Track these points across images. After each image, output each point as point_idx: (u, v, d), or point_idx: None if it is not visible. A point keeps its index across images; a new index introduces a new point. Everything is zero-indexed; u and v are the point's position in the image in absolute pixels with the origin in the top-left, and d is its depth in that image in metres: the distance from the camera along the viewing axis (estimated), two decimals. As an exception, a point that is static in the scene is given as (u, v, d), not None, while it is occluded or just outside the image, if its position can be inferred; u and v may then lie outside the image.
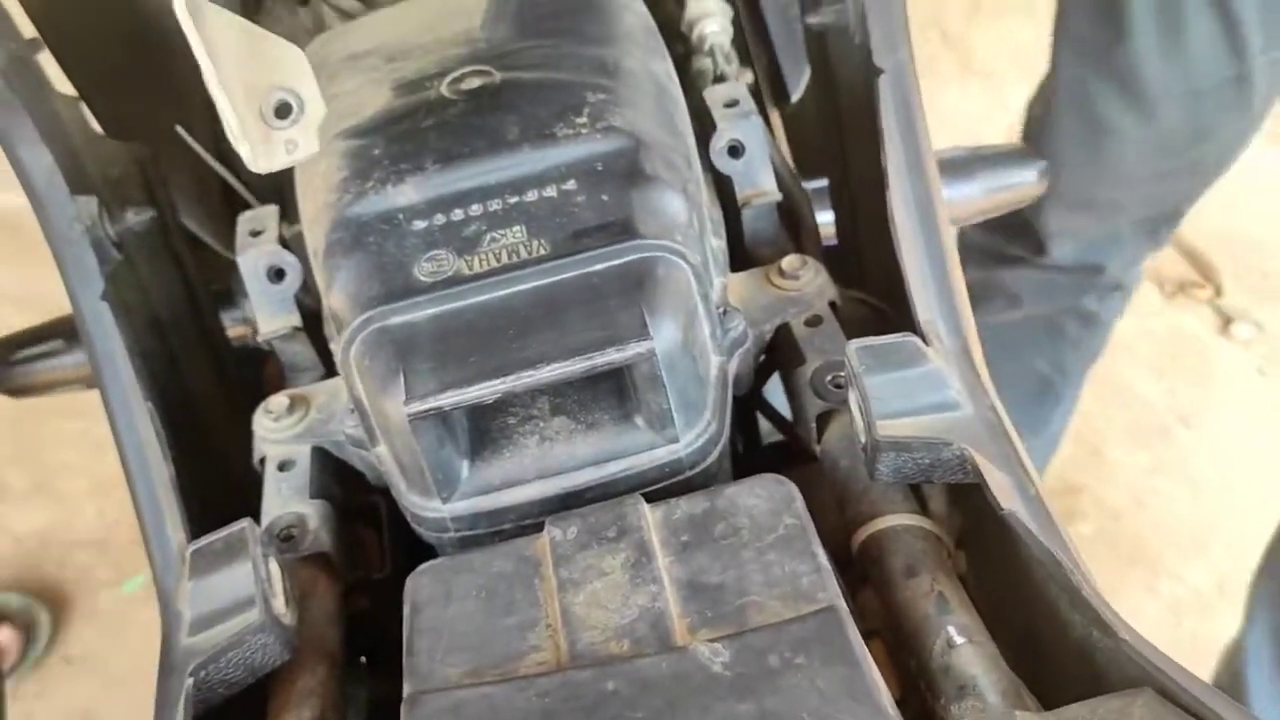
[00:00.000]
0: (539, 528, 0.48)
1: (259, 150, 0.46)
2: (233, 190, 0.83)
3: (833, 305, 0.58)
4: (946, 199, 0.92)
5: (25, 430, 1.79)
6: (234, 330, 0.87)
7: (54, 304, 2.11)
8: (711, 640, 0.42)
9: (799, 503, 0.47)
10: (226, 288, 0.86)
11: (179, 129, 0.74)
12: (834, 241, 0.79)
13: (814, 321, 0.58)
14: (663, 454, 0.50)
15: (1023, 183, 0.91)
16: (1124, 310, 1.34)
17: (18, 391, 0.91)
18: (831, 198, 0.81)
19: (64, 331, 0.89)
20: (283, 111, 0.47)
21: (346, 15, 0.76)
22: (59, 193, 0.63)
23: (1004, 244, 1.29)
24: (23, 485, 1.76)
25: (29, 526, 1.72)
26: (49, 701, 1.54)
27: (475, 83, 0.58)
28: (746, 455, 0.68)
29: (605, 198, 0.51)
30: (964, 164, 0.92)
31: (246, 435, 0.62)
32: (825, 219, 0.79)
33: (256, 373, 0.80)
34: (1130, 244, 1.26)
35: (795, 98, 0.84)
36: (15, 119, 0.65)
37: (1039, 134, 1.22)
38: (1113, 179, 1.18)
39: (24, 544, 1.70)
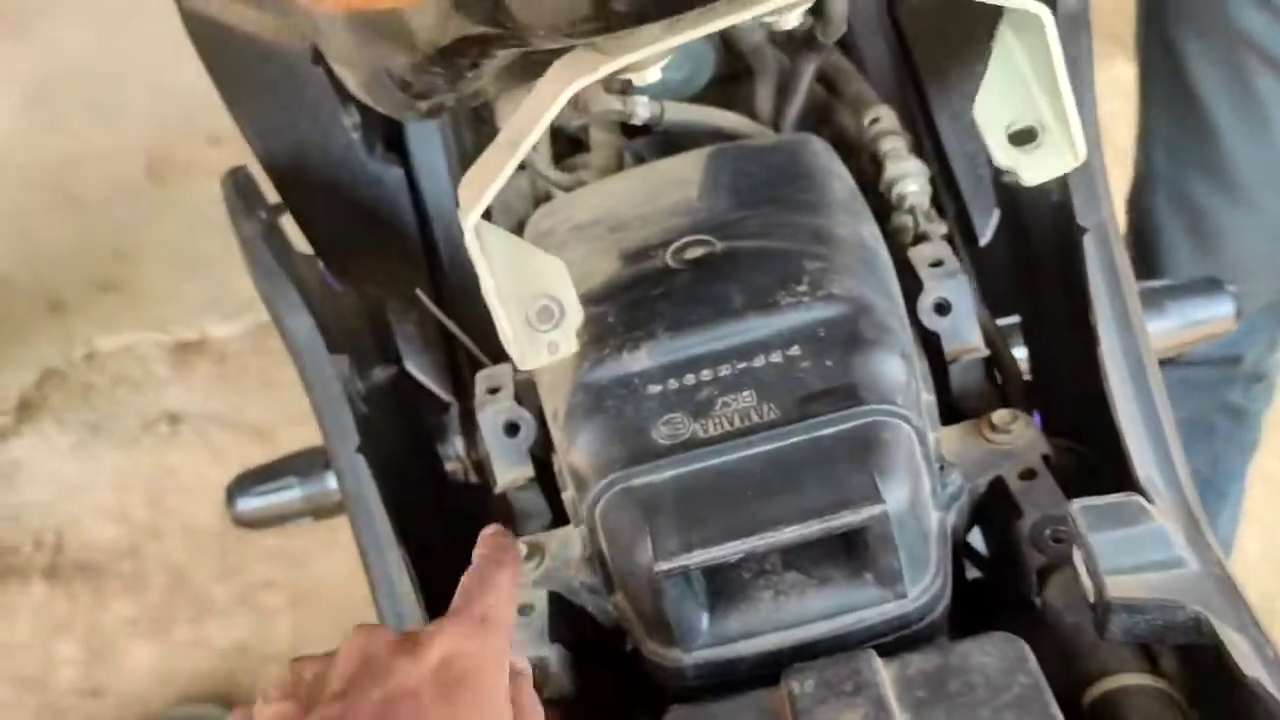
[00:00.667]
0: (772, 678, 0.51)
1: (526, 351, 0.53)
2: (452, 340, 0.90)
3: (1045, 459, 0.60)
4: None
5: (230, 549, 1.91)
6: (448, 465, 0.93)
7: (258, 424, 2.24)
8: (958, 801, 0.44)
9: (1032, 663, 0.49)
10: (440, 425, 0.93)
11: (419, 292, 0.81)
12: (1028, 376, 0.80)
13: (1027, 475, 0.59)
14: (892, 609, 0.52)
15: (1217, 316, 0.91)
16: (1272, 400, 1.30)
17: (252, 524, 0.99)
18: (1024, 334, 0.82)
19: (295, 469, 0.97)
20: (545, 316, 0.53)
21: (560, 189, 0.82)
22: (319, 354, 0.70)
23: None
24: (225, 600, 1.86)
25: (230, 640, 1.82)
26: (247, 811, 1.60)
27: (697, 252, 0.62)
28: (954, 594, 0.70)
29: (829, 363, 0.55)
30: (1155, 299, 0.93)
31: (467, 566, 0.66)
32: (1019, 354, 0.80)
33: (472, 505, 0.86)
34: (1264, 332, 1.23)
35: (984, 241, 0.87)
36: (280, 286, 0.72)
37: (1143, 234, 1.22)
38: (1229, 270, 1.16)
39: (226, 658, 1.79)
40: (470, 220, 0.50)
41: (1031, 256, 0.76)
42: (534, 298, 0.53)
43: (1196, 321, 0.92)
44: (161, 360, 2.22)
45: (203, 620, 1.85)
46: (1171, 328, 0.91)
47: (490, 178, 0.50)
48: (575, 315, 0.54)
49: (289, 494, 0.96)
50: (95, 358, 2.27)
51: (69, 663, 1.81)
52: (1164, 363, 1.24)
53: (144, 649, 1.82)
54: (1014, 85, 0.57)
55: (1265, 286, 1.18)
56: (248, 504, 0.97)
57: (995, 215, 0.88)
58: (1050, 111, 0.56)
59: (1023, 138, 0.57)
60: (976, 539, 0.68)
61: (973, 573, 0.68)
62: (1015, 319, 0.83)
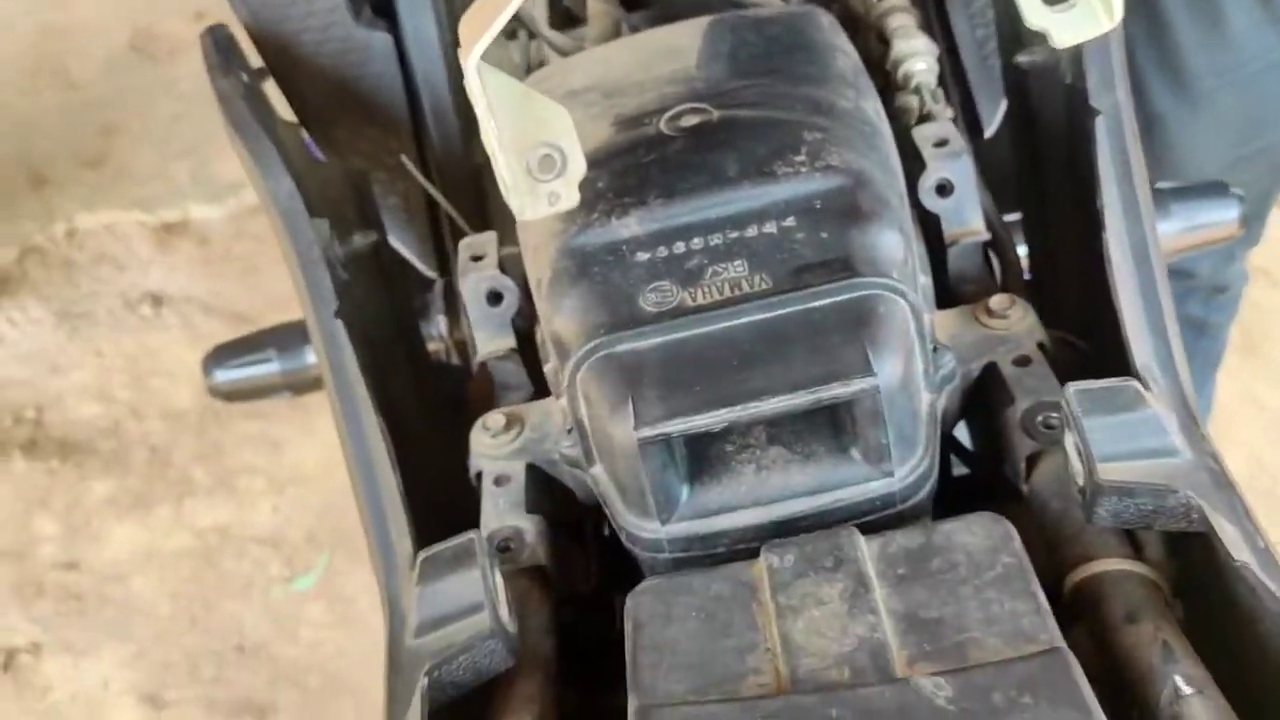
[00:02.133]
0: (751, 553, 0.50)
1: (526, 201, 0.50)
2: (437, 213, 0.88)
3: (1041, 346, 0.58)
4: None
5: (210, 431, 1.90)
6: (430, 345, 0.92)
7: (240, 309, 2.24)
8: (933, 674, 0.43)
9: (1017, 542, 0.48)
10: (424, 304, 0.91)
11: (404, 159, 0.79)
12: (1027, 275, 0.79)
13: (1022, 361, 0.58)
14: (878, 487, 0.51)
15: (1223, 220, 0.89)
16: (1235, 311, 1.29)
17: (229, 396, 0.97)
18: (1025, 232, 0.80)
19: (274, 342, 0.95)
20: (547, 166, 0.50)
21: (557, 50, 0.79)
22: (300, 216, 0.67)
23: None
24: (205, 483, 1.86)
25: (210, 522, 1.82)
26: (226, 688, 1.63)
27: (693, 120, 0.60)
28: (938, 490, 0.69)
29: (825, 235, 0.53)
30: (1161, 199, 0.90)
31: (445, 448, 0.65)
32: (1024, 251, 0.79)
33: (452, 387, 0.84)
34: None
35: (989, 133, 0.84)
36: (261, 145, 0.70)
37: None
38: (1177, 173, 1.11)
39: (205, 539, 1.80)
40: (472, 59, 0.48)
41: (1038, 147, 0.74)
42: (536, 145, 0.51)
43: (1201, 224, 0.90)
44: (144, 240, 2.19)
45: (183, 501, 1.85)
46: (1176, 230, 0.90)
47: (494, 13, 0.47)
48: (578, 165, 0.51)
49: (266, 367, 0.94)
50: (77, 235, 2.24)
51: (48, 538, 1.82)
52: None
53: (123, 527, 1.82)
54: None
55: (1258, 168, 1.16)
56: (225, 375, 0.95)
57: (1002, 105, 0.85)
58: None
59: None
60: (963, 435, 0.68)
61: (960, 470, 0.68)
62: (1017, 216, 0.82)
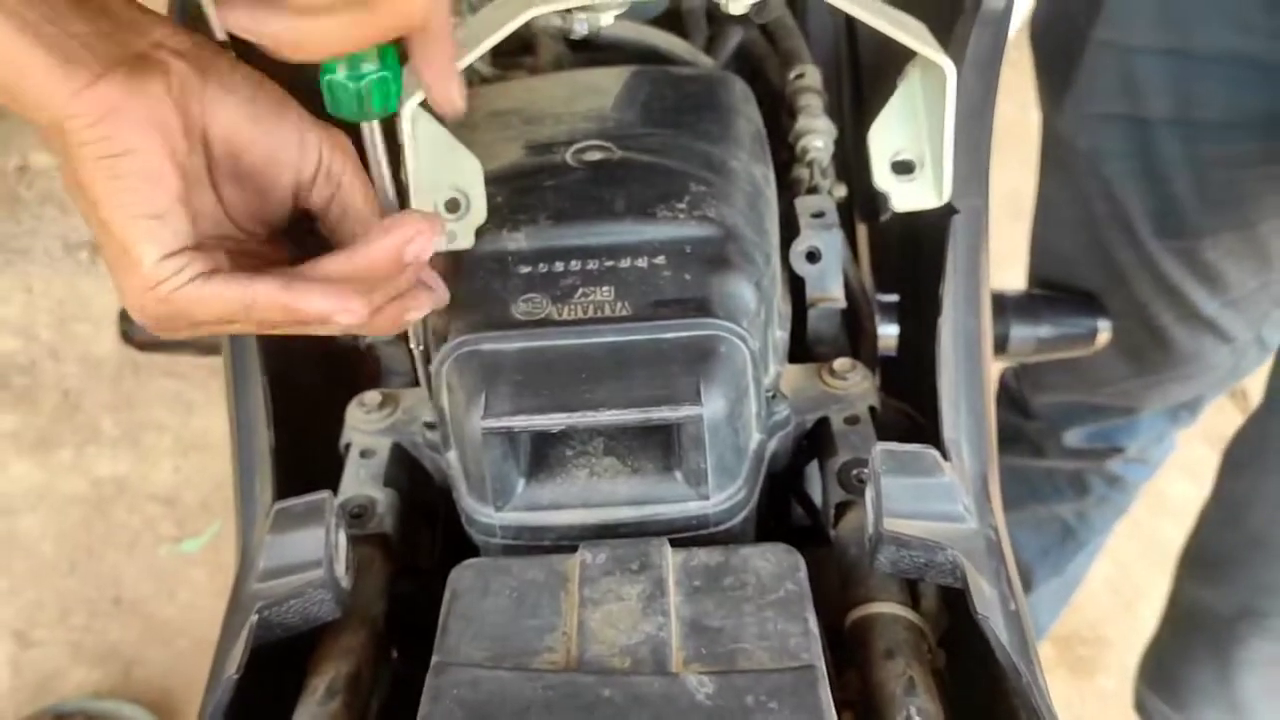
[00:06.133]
0: (574, 550, 0.55)
1: None
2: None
3: (872, 410, 0.64)
4: (1012, 335, 0.98)
5: (126, 383, 1.92)
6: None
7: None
8: (701, 673, 0.48)
9: (802, 573, 0.53)
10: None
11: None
12: (894, 353, 0.85)
13: (853, 420, 0.64)
14: (694, 507, 0.56)
15: (1085, 332, 0.97)
16: (1154, 474, 1.34)
17: (145, 346, 1.01)
18: (899, 313, 0.87)
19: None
20: (452, 207, 0.59)
21: (483, 80, 0.85)
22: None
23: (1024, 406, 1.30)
24: (112, 433, 1.88)
25: (110, 472, 1.83)
26: (95, 636, 1.64)
27: (596, 155, 0.66)
28: (776, 534, 0.74)
29: (688, 276, 0.59)
30: (1033, 306, 0.98)
31: (334, 423, 0.70)
32: (893, 331, 0.85)
33: (349, 371, 0.89)
34: (1152, 431, 1.24)
35: (884, 218, 0.91)
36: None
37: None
38: (1092, 386, 1.16)
39: (102, 487, 1.81)
40: (408, 106, 0.54)
41: (914, 237, 0.81)
42: (448, 188, 0.59)
43: (1066, 335, 0.98)
44: (94, 187, 2.20)
45: (85, 448, 1.86)
46: (1042, 335, 0.97)
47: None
48: (479, 214, 0.59)
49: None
50: (28, 172, 2.25)
51: (-57, 462, 1.82)
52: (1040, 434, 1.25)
53: (21, 463, 1.83)
54: (908, 119, 0.63)
55: (1176, 392, 1.18)
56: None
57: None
58: (930, 152, 0.62)
59: (902, 168, 0.63)
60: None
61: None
62: (895, 297, 0.88)
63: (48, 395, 1.93)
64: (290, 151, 0.52)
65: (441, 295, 0.57)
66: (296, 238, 0.58)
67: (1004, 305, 0.98)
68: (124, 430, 1.88)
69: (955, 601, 0.57)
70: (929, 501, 0.56)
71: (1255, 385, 1.38)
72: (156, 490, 1.81)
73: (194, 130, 0.50)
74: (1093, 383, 1.13)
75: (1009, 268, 1.15)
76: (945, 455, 0.59)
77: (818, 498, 0.72)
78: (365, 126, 0.53)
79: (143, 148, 0.47)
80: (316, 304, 0.50)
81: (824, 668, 0.49)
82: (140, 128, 0.47)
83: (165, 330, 0.51)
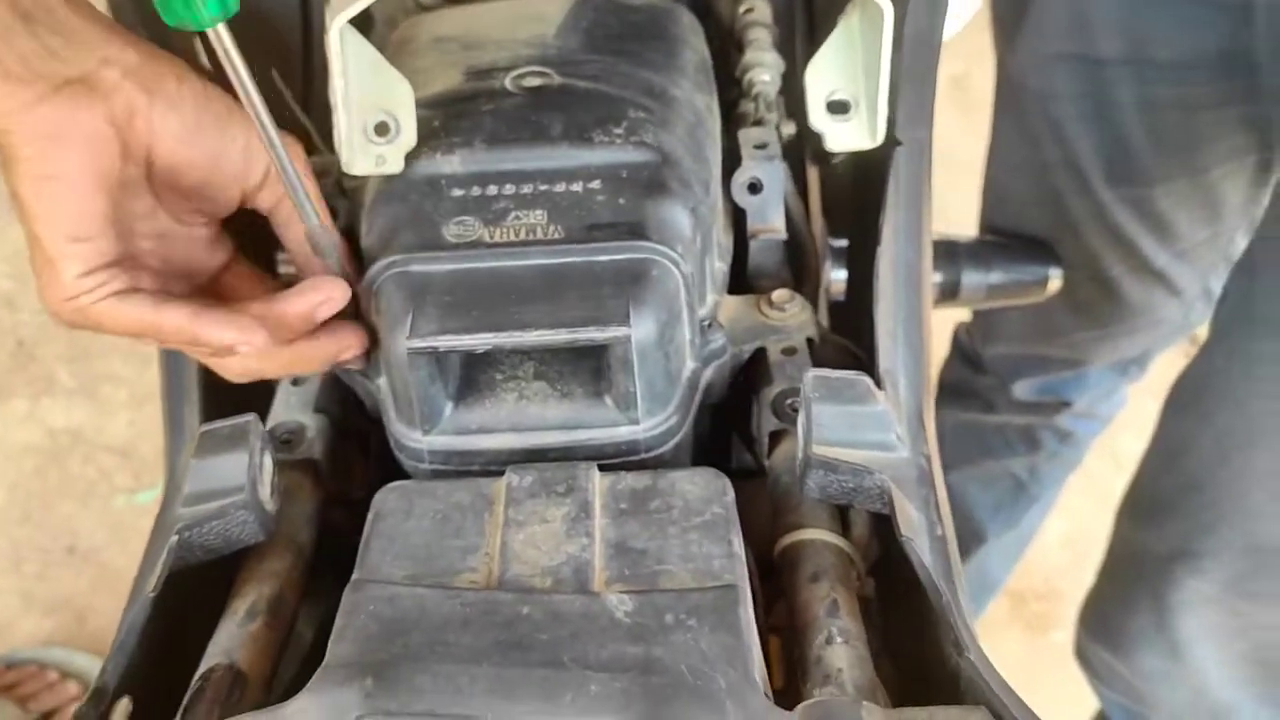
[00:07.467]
0: (502, 474, 0.54)
1: (356, 157, 0.57)
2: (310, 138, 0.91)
3: (810, 342, 0.64)
4: (963, 281, 0.98)
5: (82, 335, 1.89)
6: (285, 269, 0.94)
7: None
8: (622, 592, 0.48)
9: (729, 497, 0.53)
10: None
11: (274, 73, 0.82)
12: (842, 298, 0.85)
13: (790, 351, 0.63)
14: (623, 433, 0.56)
15: (1036, 279, 0.97)
16: (1105, 428, 1.35)
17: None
18: (846, 256, 0.86)
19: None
20: (381, 130, 0.57)
21: (423, 8, 0.83)
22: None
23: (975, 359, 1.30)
24: (68, 384, 1.85)
25: (64, 423, 1.81)
26: (48, 586, 1.62)
27: (535, 81, 0.65)
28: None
29: (622, 201, 0.58)
30: (984, 253, 0.98)
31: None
32: (842, 275, 0.84)
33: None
34: (1102, 385, 1.25)
35: (836, 160, 0.90)
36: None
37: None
38: (1042, 337, 1.16)
39: (56, 439, 1.79)
40: (337, 23, 0.53)
41: (861, 175, 0.80)
42: (376, 110, 0.58)
43: (1017, 281, 0.98)
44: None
45: (40, 399, 1.84)
46: (993, 281, 0.97)
47: None
48: (409, 137, 0.58)
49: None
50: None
51: (-107, 410, 1.79)
52: (991, 389, 1.25)
53: (-27, 411, 1.80)
54: (846, 59, 0.62)
55: (1125, 346, 1.19)
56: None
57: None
58: (866, 93, 0.62)
59: (838, 107, 0.62)
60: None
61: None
62: (844, 242, 0.88)
63: (2, 344, 1.90)
64: (234, 163, 0.55)
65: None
66: (238, 227, 0.60)
67: (955, 251, 0.98)
68: (80, 382, 1.86)
69: (886, 531, 0.57)
70: (861, 429, 0.55)
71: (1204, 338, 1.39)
72: (112, 442, 1.79)
73: (135, 150, 0.52)
74: (1043, 334, 1.13)
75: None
76: (880, 385, 0.59)
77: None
78: (214, 37, 0.49)
79: (73, 173, 0.50)
80: (220, 334, 0.53)
81: (747, 589, 0.48)
82: (74, 152, 0.50)
83: (77, 328, 0.55)
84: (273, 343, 0.54)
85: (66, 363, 1.87)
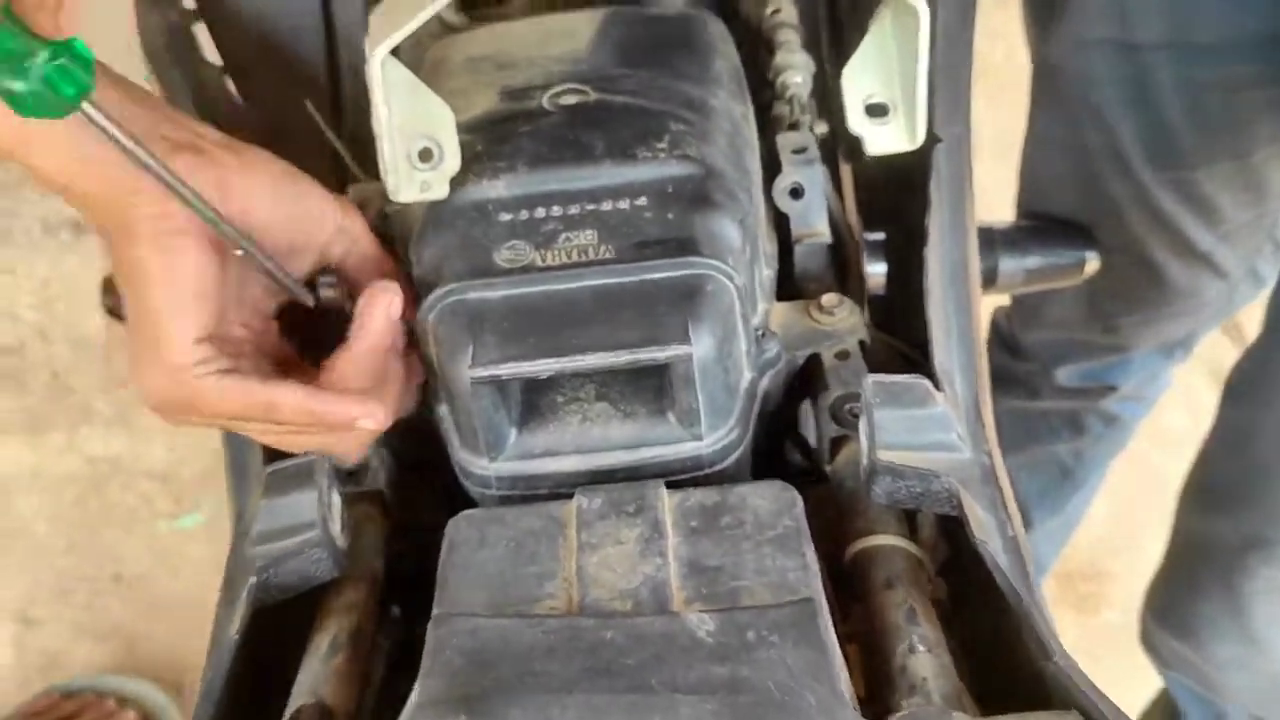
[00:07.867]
0: (570, 497, 0.55)
1: (401, 184, 0.57)
2: (341, 167, 0.92)
3: (862, 344, 0.64)
4: (1000, 268, 0.98)
5: (115, 363, 1.91)
6: (326, 293, 0.95)
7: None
8: (701, 611, 0.48)
9: (799, 508, 0.53)
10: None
11: (308, 105, 0.82)
12: (883, 292, 0.85)
13: (843, 355, 0.63)
14: (688, 449, 0.56)
15: (1073, 263, 0.96)
16: (1150, 410, 1.33)
17: (122, 316, 0.99)
18: (885, 251, 0.86)
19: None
20: (425, 156, 0.58)
21: (452, 30, 0.83)
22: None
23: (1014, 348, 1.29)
24: (105, 413, 1.87)
25: (104, 452, 1.83)
26: (96, 614, 1.64)
27: (572, 99, 0.65)
28: (772, 476, 0.74)
29: (671, 216, 0.58)
30: (1020, 239, 0.97)
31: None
32: (881, 269, 0.84)
33: (335, 335, 0.88)
34: (1147, 369, 1.23)
35: (870, 157, 0.90)
36: (174, 86, 0.73)
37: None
38: (1083, 323, 1.15)
39: (96, 467, 1.81)
40: (379, 53, 0.53)
41: (898, 170, 0.80)
42: (419, 137, 0.58)
43: (1053, 265, 0.97)
44: (70, 166, 2.17)
45: (78, 428, 1.85)
46: (1030, 266, 0.96)
47: (405, 17, 0.52)
48: (453, 162, 0.58)
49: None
50: (2, 154, 2.22)
51: (-66, 447, 1.81)
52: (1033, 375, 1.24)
53: (12, 446, 1.82)
54: (881, 62, 0.62)
55: (1169, 329, 1.17)
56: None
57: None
58: (903, 95, 0.62)
59: (876, 111, 0.62)
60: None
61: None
62: (882, 235, 0.87)
63: (37, 376, 1.91)
64: (312, 225, 0.57)
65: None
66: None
67: (992, 238, 0.97)
68: (117, 410, 1.87)
69: (953, 531, 0.58)
70: (922, 432, 0.56)
71: (1247, 318, 1.38)
72: (151, 468, 1.80)
73: (233, 218, 0.52)
74: (1086, 320, 1.13)
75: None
76: (937, 385, 0.59)
77: (813, 438, 0.72)
78: (88, 118, 0.45)
79: (195, 230, 0.50)
80: (344, 410, 0.53)
81: (824, 600, 0.49)
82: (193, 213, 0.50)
83: (171, 417, 0.54)
84: (389, 410, 0.55)
85: (102, 392, 1.89)
